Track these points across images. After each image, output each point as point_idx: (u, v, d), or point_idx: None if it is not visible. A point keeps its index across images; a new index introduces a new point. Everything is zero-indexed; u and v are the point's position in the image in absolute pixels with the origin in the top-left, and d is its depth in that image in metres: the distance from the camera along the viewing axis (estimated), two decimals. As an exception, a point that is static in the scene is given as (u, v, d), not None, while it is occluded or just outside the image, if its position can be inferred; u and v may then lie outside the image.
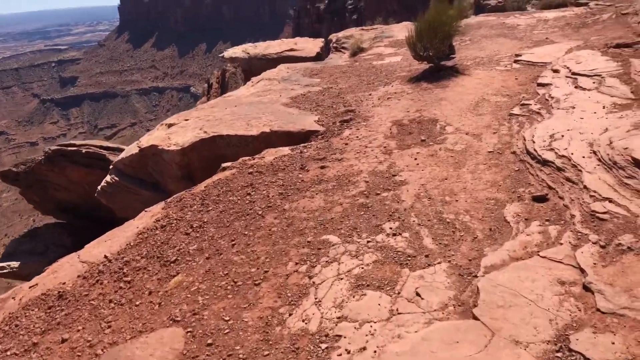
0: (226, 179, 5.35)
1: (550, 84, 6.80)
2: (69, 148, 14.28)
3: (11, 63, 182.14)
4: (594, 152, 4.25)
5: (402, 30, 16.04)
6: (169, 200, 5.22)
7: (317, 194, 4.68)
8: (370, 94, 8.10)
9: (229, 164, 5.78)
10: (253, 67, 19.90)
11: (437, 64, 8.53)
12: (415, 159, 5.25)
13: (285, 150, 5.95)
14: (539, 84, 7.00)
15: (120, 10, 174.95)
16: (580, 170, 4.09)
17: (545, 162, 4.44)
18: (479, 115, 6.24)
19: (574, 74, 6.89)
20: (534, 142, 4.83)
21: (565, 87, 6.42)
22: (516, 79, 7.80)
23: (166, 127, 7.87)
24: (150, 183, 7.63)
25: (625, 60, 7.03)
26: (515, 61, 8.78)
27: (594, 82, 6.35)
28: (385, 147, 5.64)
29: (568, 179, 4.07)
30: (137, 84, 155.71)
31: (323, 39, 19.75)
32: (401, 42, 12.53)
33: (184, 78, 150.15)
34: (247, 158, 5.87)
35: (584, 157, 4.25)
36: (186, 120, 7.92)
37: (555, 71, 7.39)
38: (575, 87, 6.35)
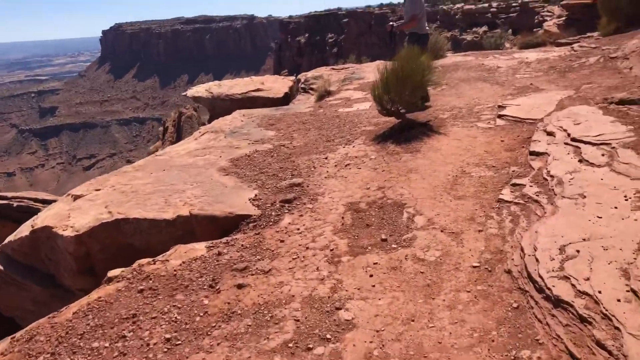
0: (105, 301, 3.76)
1: (547, 153, 5.39)
2: (-3, 202, 12.53)
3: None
4: (634, 292, 2.78)
5: (374, 70, 14.77)
6: (17, 336, 3.61)
7: (219, 344, 3.11)
8: (326, 157, 6.62)
9: (117, 271, 4.20)
10: (217, 108, 18.46)
11: (407, 120, 7.14)
12: (371, 275, 3.72)
13: (200, 249, 4.39)
14: (532, 153, 5.59)
15: (102, 41, 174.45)
16: (617, 330, 2.59)
17: (558, 302, 2.92)
18: (459, 199, 4.77)
19: (574, 140, 5.50)
20: (537, 259, 3.34)
21: (567, 161, 5.01)
22: (502, 141, 6.41)
23: (71, 199, 6.29)
24: (45, 275, 6.00)
25: (636, 122, 5.69)
26: (500, 116, 7.43)
27: (603, 155, 4.95)
28: (332, 250, 4.12)
29: (601, 345, 2.56)
30: (118, 114, 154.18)
31: (294, 77, 18.47)
32: (372, 85, 11.19)
33: (165, 109, 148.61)
34: (145, 262, 4.29)
35: (618, 300, 2.76)
36: (97, 190, 6.35)
37: (550, 134, 6.01)
38: (580, 161, 4.94)
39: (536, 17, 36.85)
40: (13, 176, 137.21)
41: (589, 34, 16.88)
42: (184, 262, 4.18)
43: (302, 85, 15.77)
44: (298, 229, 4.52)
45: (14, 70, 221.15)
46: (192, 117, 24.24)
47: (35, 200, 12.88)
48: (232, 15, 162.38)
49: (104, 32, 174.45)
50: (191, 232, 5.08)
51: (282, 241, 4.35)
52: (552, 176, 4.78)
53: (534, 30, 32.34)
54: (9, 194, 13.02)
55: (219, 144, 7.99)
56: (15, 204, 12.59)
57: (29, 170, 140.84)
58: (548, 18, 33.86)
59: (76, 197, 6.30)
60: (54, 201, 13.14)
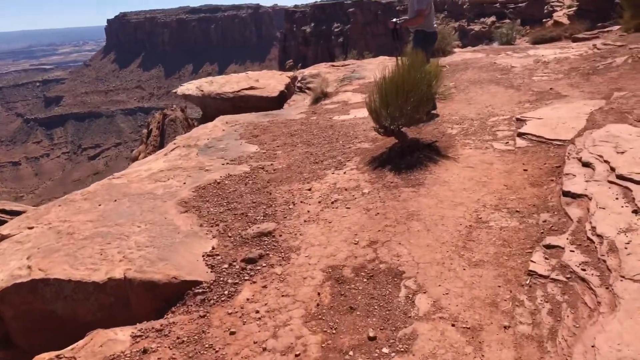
0: None
1: (587, 196, 4.17)
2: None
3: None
4: None
5: (377, 68, 13.51)
6: None
7: None
8: (310, 189, 5.42)
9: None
10: (208, 107, 17.25)
11: (408, 142, 5.91)
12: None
13: (122, 340, 3.22)
14: (567, 194, 4.37)
15: (107, 30, 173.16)
16: None
17: None
18: (474, 267, 3.56)
19: (621, 177, 4.27)
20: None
21: (617, 211, 3.79)
22: (525, 170, 5.18)
23: (-3, 239, 5.14)
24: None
25: (701, 153, 4.45)
26: (519, 134, 6.19)
27: (666, 205, 3.73)
28: (298, 356, 2.93)
29: None
30: (123, 104, 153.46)
31: (292, 73, 17.19)
32: (373, 84, 9.95)
33: (170, 98, 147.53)
34: (46, 357, 3.13)
35: None
36: (30, 228, 5.20)
37: (587, 165, 4.78)
38: (636, 213, 3.72)
39: (545, 7, 35.25)
40: (18, 165, 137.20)
41: (608, 29, 15.48)
42: (95, 364, 3.01)
43: (299, 84, 14.53)
44: (257, 312, 3.34)
45: (19, 59, 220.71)
46: (176, 119, 22.73)
47: (3, 211, 11.79)
48: (238, 5, 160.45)
49: (108, 21, 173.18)
50: (125, 301, 3.92)
51: (232, 333, 3.17)
52: (599, 236, 3.57)
53: (544, 20, 30.86)
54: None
55: (188, 163, 6.79)
56: (-23, 218, 11.50)
57: (35, 160, 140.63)
58: (558, 8, 32.36)
59: (2, 237, 5.15)
60: (23, 212, 12.05)
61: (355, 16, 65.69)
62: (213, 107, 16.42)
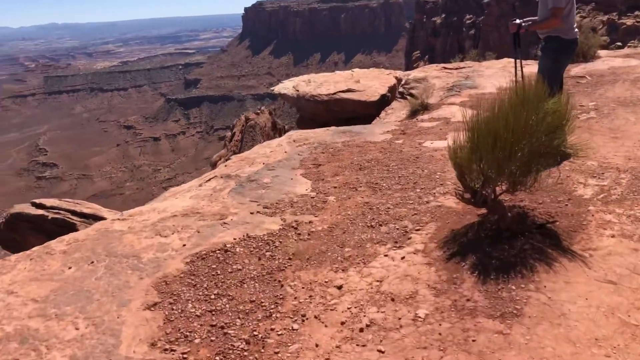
0: None
1: None
2: (32, 212, 11.12)
3: (144, 64, 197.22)
4: None
5: (495, 75, 10.99)
6: None
7: None
8: (341, 286, 3.54)
9: None
10: (301, 109, 15.75)
11: (508, 222, 3.74)
12: None
13: None
14: None
15: (244, 18, 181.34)
16: None
17: None
18: None
19: None
20: None
21: None
22: None
23: None
24: None
25: None
26: None
27: None
28: None
29: None
30: (253, 90, 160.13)
31: (399, 73, 15.06)
32: (487, 98, 7.65)
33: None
34: None
35: None
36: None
37: None
38: None
39: None
40: (158, 141, 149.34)
41: None
42: None
43: (401, 89, 12.45)
44: None
45: (166, 43, 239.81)
46: (256, 126, 21.28)
47: (73, 212, 11.31)
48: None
49: (246, 9, 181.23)
50: None
51: None
52: None
53: None
54: (49, 202, 11.59)
55: (210, 207, 5.21)
56: (50, 217, 11.11)
57: (172, 137, 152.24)
58: None
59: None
60: (93, 215, 11.50)
61: (489, 7, 60.70)
62: (307, 109, 14.89)
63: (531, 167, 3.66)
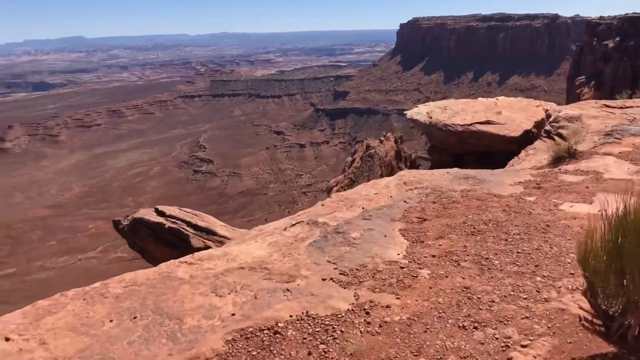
0: None
1: None
2: (152, 219, 11.51)
3: (299, 74, 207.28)
4: None
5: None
6: None
7: None
8: None
9: None
10: (432, 138, 14.67)
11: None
12: None
13: None
14: None
15: (398, 34, 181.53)
16: None
17: None
18: None
19: None
20: None
21: None
22: None
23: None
24: None
25: None
26: None
27: None
28: None
29: None
30: (399, 105, 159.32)
31: (549, 106, 13.18)
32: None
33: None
34: None
35: None
36: (7, 340, 3.69)
37: None
38: None
39: None
40: (304, 148, 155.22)
41: None
42: None
43: (548, 127, 10.89)
44: None
45: (321, 55, 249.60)
46: (375, 155, 19.81)
47: (189, 224, 11.50)
48: (533, 14, 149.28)
49: (401, 25, 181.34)
50: None
51: None
52: None
53: None
54: (169, 211, 11.97)
55: (282, 263, 4.59)
56: (167, 225, 11.41)
57: (317, 145, 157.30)
58: None
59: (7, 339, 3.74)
60: (207, 229, 11.58)
61: (677, 31, 53.11)
62: (438, 139, 13.80)
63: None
